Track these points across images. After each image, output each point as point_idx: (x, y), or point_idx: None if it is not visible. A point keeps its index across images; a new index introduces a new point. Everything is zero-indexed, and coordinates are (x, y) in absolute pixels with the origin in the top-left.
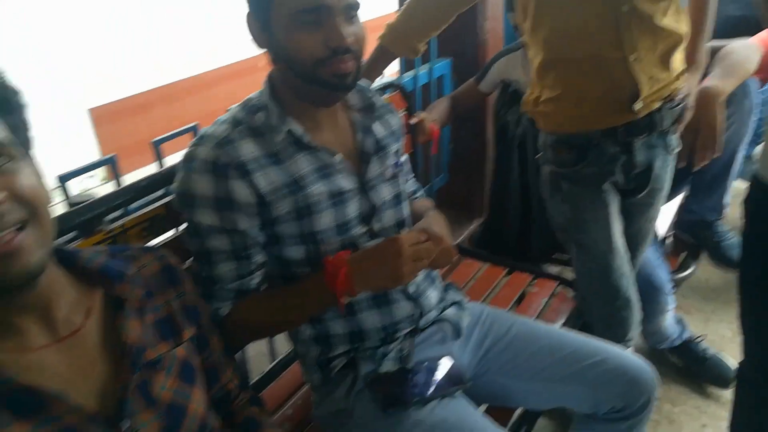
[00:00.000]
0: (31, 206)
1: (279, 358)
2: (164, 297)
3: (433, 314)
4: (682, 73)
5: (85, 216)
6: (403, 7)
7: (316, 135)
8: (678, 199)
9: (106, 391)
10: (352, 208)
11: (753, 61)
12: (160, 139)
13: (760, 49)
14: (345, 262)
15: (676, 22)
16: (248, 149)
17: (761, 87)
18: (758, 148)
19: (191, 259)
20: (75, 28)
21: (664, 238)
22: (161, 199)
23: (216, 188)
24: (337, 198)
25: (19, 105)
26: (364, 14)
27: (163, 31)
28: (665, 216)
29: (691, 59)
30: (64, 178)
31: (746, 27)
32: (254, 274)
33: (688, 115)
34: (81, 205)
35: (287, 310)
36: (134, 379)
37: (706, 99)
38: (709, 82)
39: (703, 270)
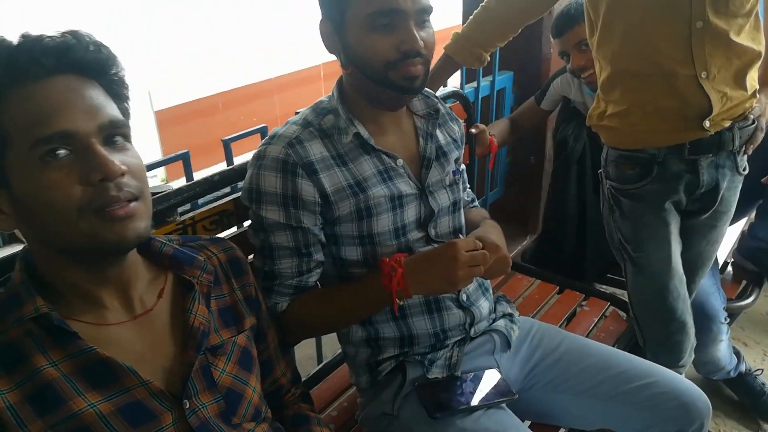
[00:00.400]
0: (141, 182)
1: (326, 361)
2: (229, 286)
3: (483, 324)
4: (755, 92)
5: (161, 206)
6: (471, 18)
7: (381, 139)
8: (741, 224)
9: (173, 370)
10: (411, 213)
11: None
12: (231, 138)
13: None
14: (402, 264)
15: (752, 39)
16: (317, 150)
17: None
18: None
19: (253, 255)
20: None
21: (725, 264)
22: (229, 195)
23: (284, 185)
24: (397, 201)
25: (127, 96)
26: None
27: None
28: (727, 241)
29: (765, 79)
30: None
31: None
32: (313, 272)
33: (760, 136)
34: (156, 195)
35: (343, 309)
36: (198, 360)
37: None
38: None
39: (764, 301)
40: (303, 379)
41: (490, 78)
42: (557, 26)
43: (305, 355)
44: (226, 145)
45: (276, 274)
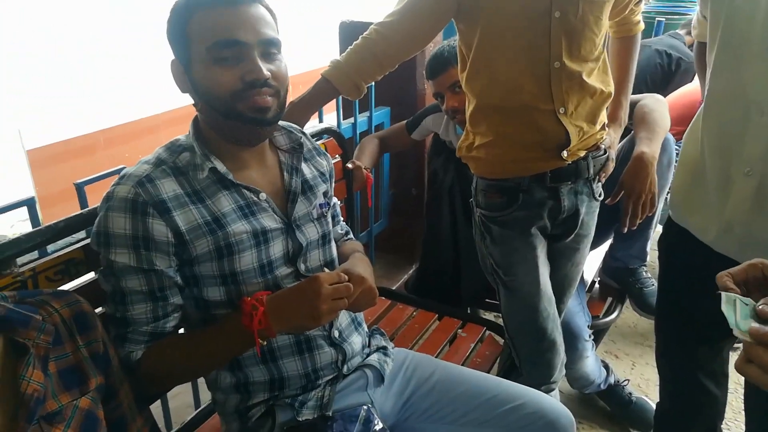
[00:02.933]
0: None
1: (200, 408)
2: (74, 344)
3: (357, 360)
4: (605, 125)
5: None
6: (350, 47)
7: (242, 174)
8: (605, 246)
9: None
10: (277, 248)
11: (667, 118)
12: (84, 181)
13: (667, 105)
14: (263, 302)
15: (602, 82)
16: (169, 188)
17: (677, 142)
18: None
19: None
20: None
21: (592, 284)
22: (81, 241)
23: (134, 226)
24: (261, 237)
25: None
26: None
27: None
28: (592, 262)
29: (614, 116)
30: None
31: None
32: (170, 317)
33: (611, 166)
34: None
35: (203, 353)
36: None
37: (642, 165)
38: (642, 148)
39: (631, 315)
40: (176, 429)
41: (367, 113)
42: (431, 68)
43: (182, 403)
44: (79, 189)
45: (129, 320)
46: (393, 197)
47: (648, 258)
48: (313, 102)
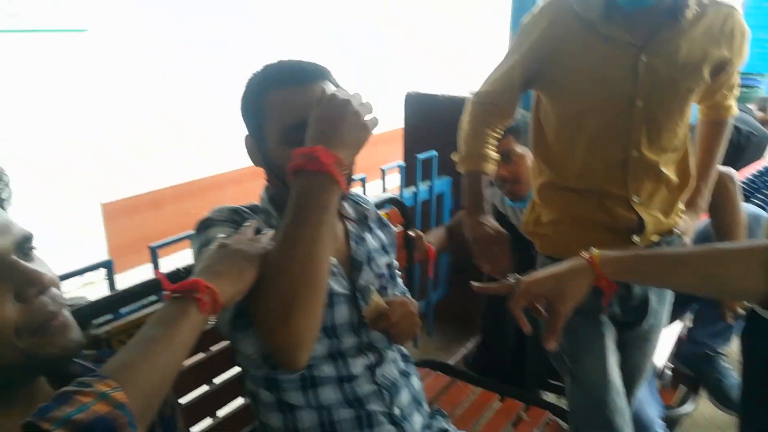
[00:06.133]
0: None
1: None
2: None
3: None
4: (681, 212)
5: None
6: (463, 130)
7: None
8: (677, 328)
9: None
10: (342, 313)
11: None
12: (158, 245)
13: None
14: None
15: (681, 172)
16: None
17: None
18: None
19: None
20: None
21: (662, 371)
22: (153, 304)
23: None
24: (327, 299)
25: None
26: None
27: None
28: (663, 345)
29: (692, 202)
30: None
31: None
32: None
33: None
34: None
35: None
36: None
37: None
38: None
39: (707, 407)
40: None
41: (429, 182)
42: None
43: None
44: (153, 251)
45: None
46: (452, 265)
47: (729, 345)
48: (475, 199)
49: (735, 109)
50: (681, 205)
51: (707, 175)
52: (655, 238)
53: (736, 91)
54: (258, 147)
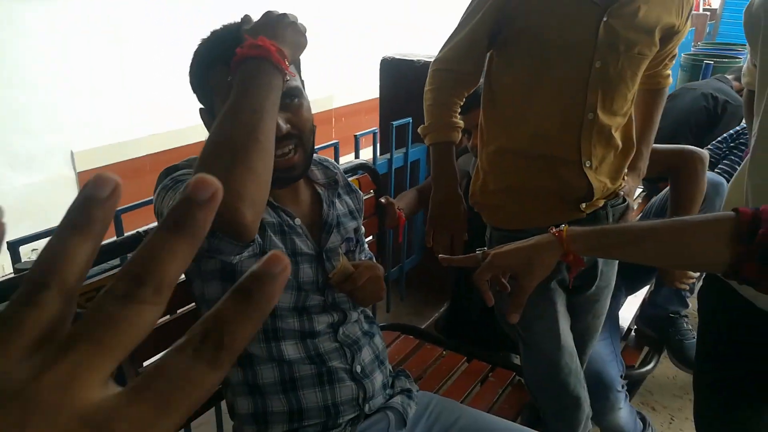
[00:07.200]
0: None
1: None
2: None
3: (379, 400)
4: (625, 174)
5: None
6: (426, 102)
7: (278, 202)
8: (643, 292)
9: None
10: (307, 273)
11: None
12: (121, 210)
13: None
14: None
15: (627, 138)
16: None
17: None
18: None
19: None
20: None
21: (628, 331)
22: (115, 269)
23: None
24: (292, 258)
25: None
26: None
27: None
28: (629, 308)
29: (633, 165)
30: (14, 244)
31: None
32: None
33: (630, 214)
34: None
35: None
36: None
37: None
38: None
39: (670, 367)
40: None
41: (403, 150)
42: (465, 104)
43: None
44: (116, 216)
45: None
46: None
47: (690, 307)
48: (444, 173)
49: (670, 79)
50: (625, 170)
51: (648, 140)
52: (600, 202)
53: (673, 62)
54: (213, 120)
